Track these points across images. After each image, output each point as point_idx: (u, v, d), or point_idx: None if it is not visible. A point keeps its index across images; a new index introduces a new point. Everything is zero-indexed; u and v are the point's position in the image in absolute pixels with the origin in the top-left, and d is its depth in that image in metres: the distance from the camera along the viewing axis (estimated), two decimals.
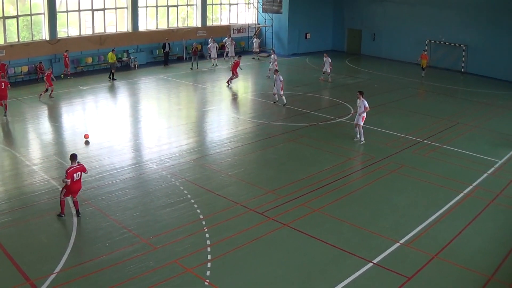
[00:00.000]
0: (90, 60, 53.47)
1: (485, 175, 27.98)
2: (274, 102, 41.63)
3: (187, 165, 28.27)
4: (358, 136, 32.42)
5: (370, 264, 18.79)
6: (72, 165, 21.44)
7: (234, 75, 48.15)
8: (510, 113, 42.12)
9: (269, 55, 57.97)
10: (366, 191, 25.27)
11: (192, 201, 23.59)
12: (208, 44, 60.55)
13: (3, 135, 33.25)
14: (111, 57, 50.36)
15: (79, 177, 21.62)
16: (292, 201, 23.67)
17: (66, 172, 21.18)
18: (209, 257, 18.93)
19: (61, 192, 21.95)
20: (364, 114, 31.86)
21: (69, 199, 22.23)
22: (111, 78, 49.78)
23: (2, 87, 36.17)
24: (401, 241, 20.48)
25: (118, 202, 23.35)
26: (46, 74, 42.10)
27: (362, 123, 32.09)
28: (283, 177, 26.84)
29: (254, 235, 20.62)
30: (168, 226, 21.26)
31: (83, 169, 21.87)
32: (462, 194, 25.22)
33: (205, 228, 21.11)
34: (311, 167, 28.23)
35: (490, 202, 24.49)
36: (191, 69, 57.29)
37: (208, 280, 17.48)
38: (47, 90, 41.89)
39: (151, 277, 17.55)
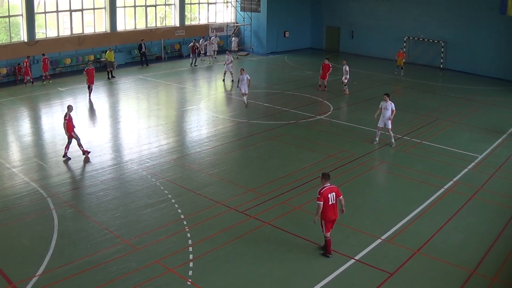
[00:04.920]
0: (68, 61, 53.11)
1: (466, 170, 28.17)
2: (246, 106, 40.72)
3: (168, 165, 28.23)
4: (377, 139, 32.05)
5: (352, 261, 18.87)
6: (325, 185, 18.82)
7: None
8: (489, 108, 42.46)
9: (246, 54, 57.88)
10: (347, 188, 25.14)
11: (173, 201, 23.57)
12: (204, 42, 61.78)
13: None
14: (109, 56, 50.59)
15: (334, 200, 18.77)
16: (273, 199, 23.70)
17: (319, 193, 18.62)
18: (191, 256, 18.95)
19: (322, 227, 19.09)
20: (392, 117, 31.20)
21: None
22: (110, 76, 50.49)
23: None
24: (383, 237, 20.58)
25: (99, 203, 23.27)
26: (86, 70, 42.63)
27: (390, 126, 31.24)
28: (264, 176, 26.89)
29: (236, 234, 20.66)
30: (150, 227, 21.21)
31: (338, 192, 18.95)
32: (442, 190, 25.39)
33: (186, 227, 21.11)
34: (292, 165, 28.29)
35: (471, 197, 24.68)
36: (191, 65, 58.37)
37: (190, 280, 17.48)
38: (89, 87, 42.97)
39: (133, 278, 17.52)
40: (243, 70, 40.65)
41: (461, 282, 17.80)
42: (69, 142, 28.81)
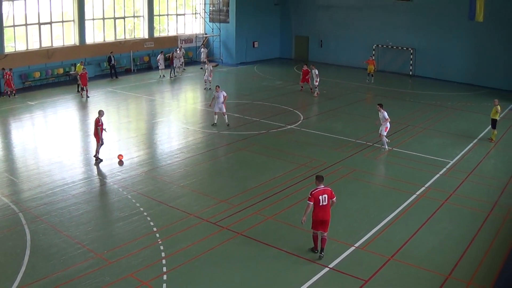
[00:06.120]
0: (37, 74, 52.58)
1: (437, 175, 28.38)
2: (213, 124, 38.07)
3: (139, 177, 28.08)
4: (386, 146, 32.46)
5: (326, 269, 18.90)
6: (318, 187, 19.38)
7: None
8: (459, 113, 42.89)
9: (216, 65, 58.04)
10: None
11: (145, 213, 23.44)
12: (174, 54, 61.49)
13: None
14: (79, 69, 50.14)
15: (326, 201, 19.25)
16: (245, 209, 23.69)
17: (310, 194, 19.20)
18: (164, 269, 18.85)
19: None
20: (388, 124, 31.80)
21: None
22: (79, 89, 49.29)
23: None
24: (356, 245, 20.63)
25: (71, 218, 23.06)
26: (80, 74, 47.34)
27: (385, 133, 31.99)
28: (236, 186, 26.87)
29: (209, 245, 20.60)
30: (122, 240, 21.07)
31: (331, 194, 19.37)
32: (415, 196, 25.56)
33: (159, 240, 21.01)
34: (263, 175, 28.29)
35: (444, 202, 24.88)
36: (170, 77, 58.50)
37: None
38: (83, 89, 47.84)
39: None
40: (219, 87, 38.21)
41: (436, 287, 17.90)
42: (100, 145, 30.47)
